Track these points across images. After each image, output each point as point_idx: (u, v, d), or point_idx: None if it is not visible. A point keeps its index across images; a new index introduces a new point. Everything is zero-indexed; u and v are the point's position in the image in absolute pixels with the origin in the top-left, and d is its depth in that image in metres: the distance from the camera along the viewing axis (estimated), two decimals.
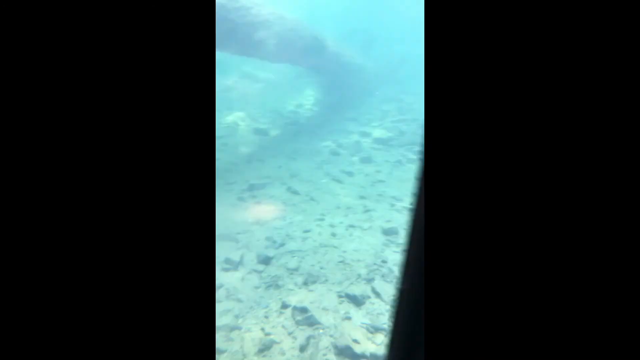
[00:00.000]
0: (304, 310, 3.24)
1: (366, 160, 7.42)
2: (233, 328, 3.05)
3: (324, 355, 2.81)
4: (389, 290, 3.51)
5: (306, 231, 4.64)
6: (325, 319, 3.16)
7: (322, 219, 4.97)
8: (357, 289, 3.52)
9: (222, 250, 4.09)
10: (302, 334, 3.01)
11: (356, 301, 3.37)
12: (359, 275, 3.76)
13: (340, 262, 4.01)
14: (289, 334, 3.02)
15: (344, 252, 4.20)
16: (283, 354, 2.82)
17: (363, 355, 2.78)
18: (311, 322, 3.12)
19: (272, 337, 2.97)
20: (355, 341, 2.89)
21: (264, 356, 2.79)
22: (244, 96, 11.16)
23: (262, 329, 3.05)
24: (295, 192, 5.77)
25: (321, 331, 3.04)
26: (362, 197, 5.72)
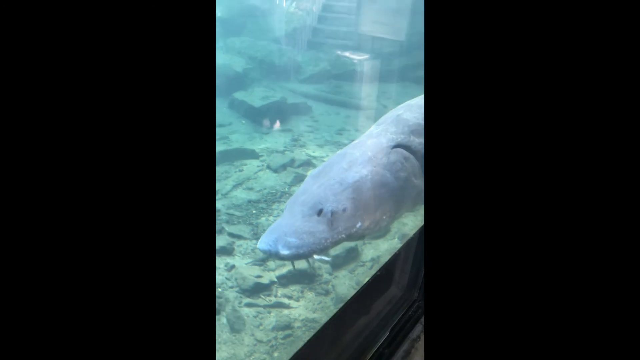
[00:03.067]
0: None
1: None
2: None
3: (239, 303, 3.14)
4: (244, 229, 3.94)
5: None
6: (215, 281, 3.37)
7: None
8: (219, 242, 3.78)
9: None
10: None
11: (226, 252, 3.67)
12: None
13: None
14: None
15: None
16: None
17: (273, 282, 3.27)
18: None
19: None
20: (258, 276, 3.32)
21: None
22: None
23: None
24: None
25: (219, 290, 3.28)
26: None
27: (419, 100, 3.17)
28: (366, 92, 6.91)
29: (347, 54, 7.69)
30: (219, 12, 9.12)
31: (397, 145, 2.61)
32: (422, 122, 2.80)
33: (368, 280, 1.60)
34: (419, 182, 2.60)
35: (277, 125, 6.16)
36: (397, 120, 2.87)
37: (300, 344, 2.83)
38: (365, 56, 7.35)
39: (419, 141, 2.71)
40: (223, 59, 7.73)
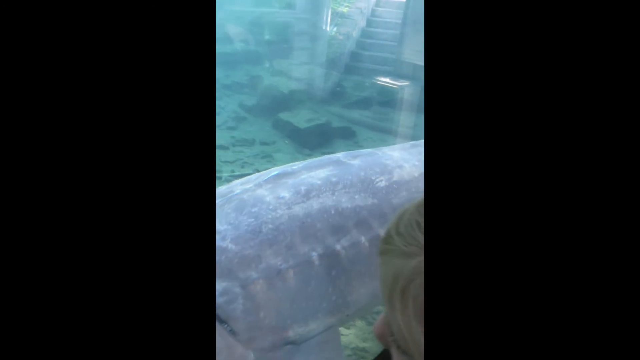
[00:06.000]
0: None
1: None
2: None
3: None
4: None
5: None
6: None
7: None
8: None
9: None
10: None
11: None
12: None
13: None
14: None
15: None
16: None
17: None
18: None
19: None
20: None
21: None
22: None
23: None
24: None
25: None
26: None
27: (253, 190, 1.76)
28: (412, 121, 6.91)
29: (393, 81, 7.77)
30: (267, 35, 9.46)
31: None
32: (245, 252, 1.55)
33: None
34: None
35: None
36: None
37: None
38: (413, 85, 7.40)
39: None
40: (270, 79, 7.98)
